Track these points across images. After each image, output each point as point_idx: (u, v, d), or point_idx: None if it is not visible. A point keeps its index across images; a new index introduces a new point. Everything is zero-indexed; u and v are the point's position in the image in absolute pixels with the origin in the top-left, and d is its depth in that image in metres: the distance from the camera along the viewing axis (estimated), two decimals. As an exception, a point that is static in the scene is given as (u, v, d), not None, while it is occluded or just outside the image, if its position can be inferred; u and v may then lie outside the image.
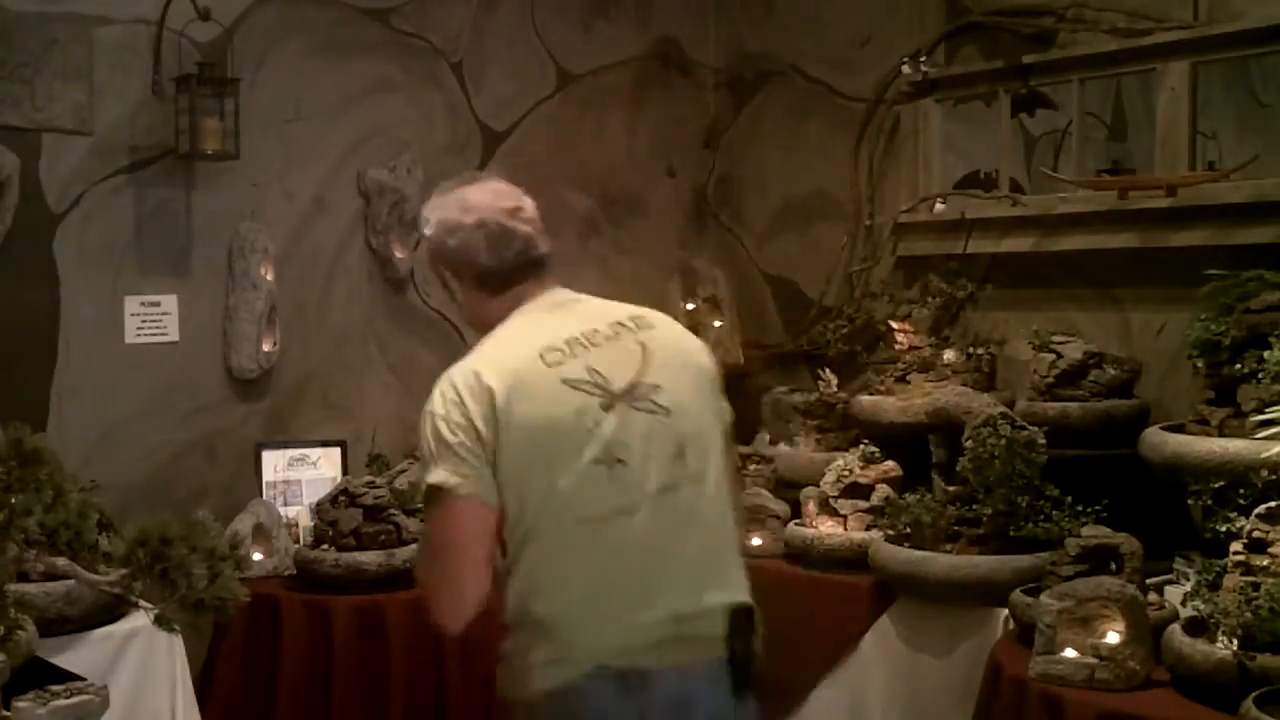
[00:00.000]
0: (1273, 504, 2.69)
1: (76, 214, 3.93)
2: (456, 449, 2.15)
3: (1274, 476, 2.76)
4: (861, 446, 3.92)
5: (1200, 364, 3.16)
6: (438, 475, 2.14)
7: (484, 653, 3.79)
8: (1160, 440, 3.16)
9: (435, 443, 2.19)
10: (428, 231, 2.38)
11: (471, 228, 2.32)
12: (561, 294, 2.40)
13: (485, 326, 2.36)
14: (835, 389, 4.35)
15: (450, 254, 2.34)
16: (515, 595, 2.17)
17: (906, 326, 4.25)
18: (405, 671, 3.68)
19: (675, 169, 5.23)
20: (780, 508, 4.01)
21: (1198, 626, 2.72)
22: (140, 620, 3.13)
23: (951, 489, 3.50)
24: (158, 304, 4.07)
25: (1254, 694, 2.40)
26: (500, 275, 2.33)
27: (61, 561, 2.11)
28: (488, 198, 2.37)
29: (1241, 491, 2.81)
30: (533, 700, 2.13)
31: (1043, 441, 3.39)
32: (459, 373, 2.21)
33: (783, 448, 4.35)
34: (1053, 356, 3.71)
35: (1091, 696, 2.71)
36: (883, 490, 3.80)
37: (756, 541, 3.99)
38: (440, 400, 2.21)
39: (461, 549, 2.14)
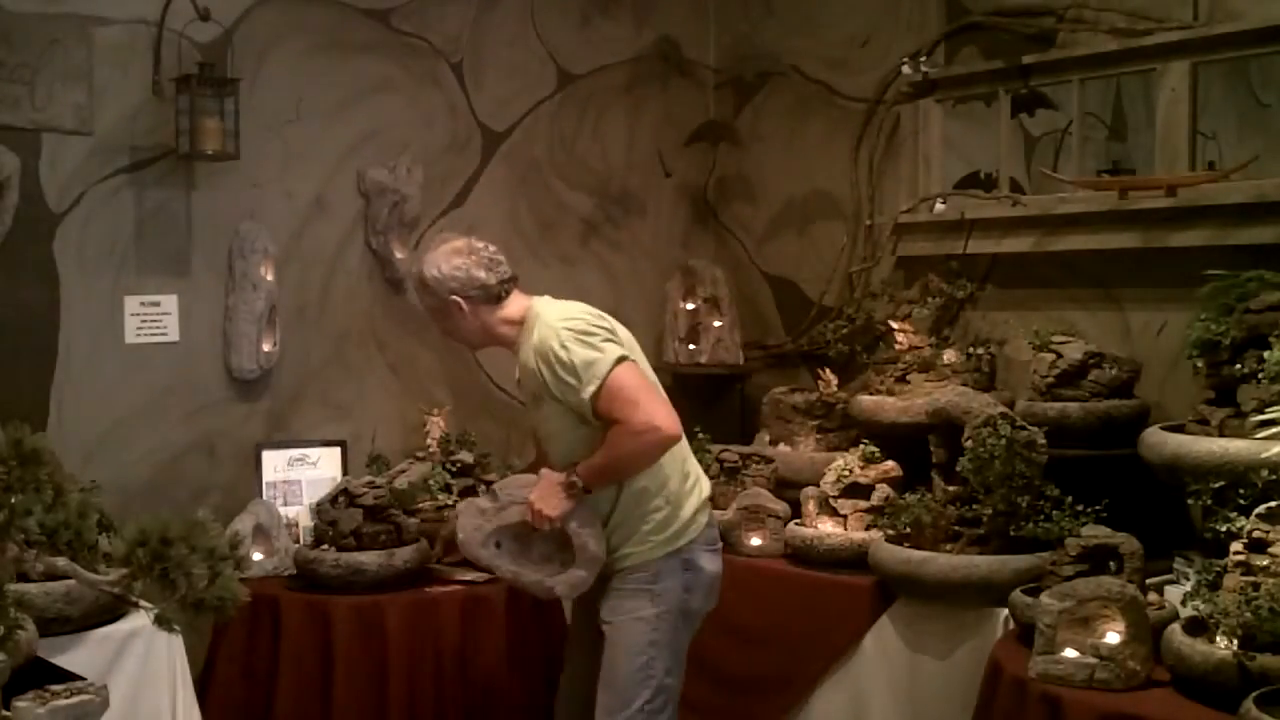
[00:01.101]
0: (1273, 504, 2.69)
1: (76, 214, 3.93)
2: (614, 341, 3.04)
3: (1274, 476, 2.77)
4: (861, 446, 3.93)
5: (1200, 364, 3.16)
6: (617, 351, 3.00)
7: (483, 653, 3.80)
8: (1160, 440, 3.16)
9: (598, 339, 3.01)
10: (433, 273, 3.13)
11: (470, 263, 3.13)
12: (538, 297, 3.19)
13: (488, 335, 3.19)
14: (835, 389, 4.35)
15: (459, 284, 3.12)
16: (669, 464, 3.09)
17: (906, 326, 4.25)
18: (405, 671, 3.68)
19: (671, 169, 5.23)
20: (780, 508, 4.01)
21: (1198, 626, 2.72)
22: (140, 620, 3.13)
23: (951, 489, 3.50)
24: (158, 304, 4.07)
25: (1254, 694, 2.40)
26: (497, 289, 3.14)
27: (61, 561, 2.10)
28: (465, 244, 3.18)
29: (1241, 491, 2.81)
30: (687, 545, 3.10)
31: (1043, 441, 3.39)
32: (574, 311, 3.08)
33: (783, 448, 4.35)
34: (1053, 356, 3.71)
35: (1091, 696, 2.71)
36: (883, 490, 3.80)
37: (756, 541, 4.00)
38: (577, 323, 3.02)
39: (653, 387, 3.07)
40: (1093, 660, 2.76)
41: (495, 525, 3.14)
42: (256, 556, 3.91)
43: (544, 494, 3.05)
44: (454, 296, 3.12)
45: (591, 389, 2.95)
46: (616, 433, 2.98)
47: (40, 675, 2.51)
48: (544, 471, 3.12)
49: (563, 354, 2.98)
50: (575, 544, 3.05)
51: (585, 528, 3.05)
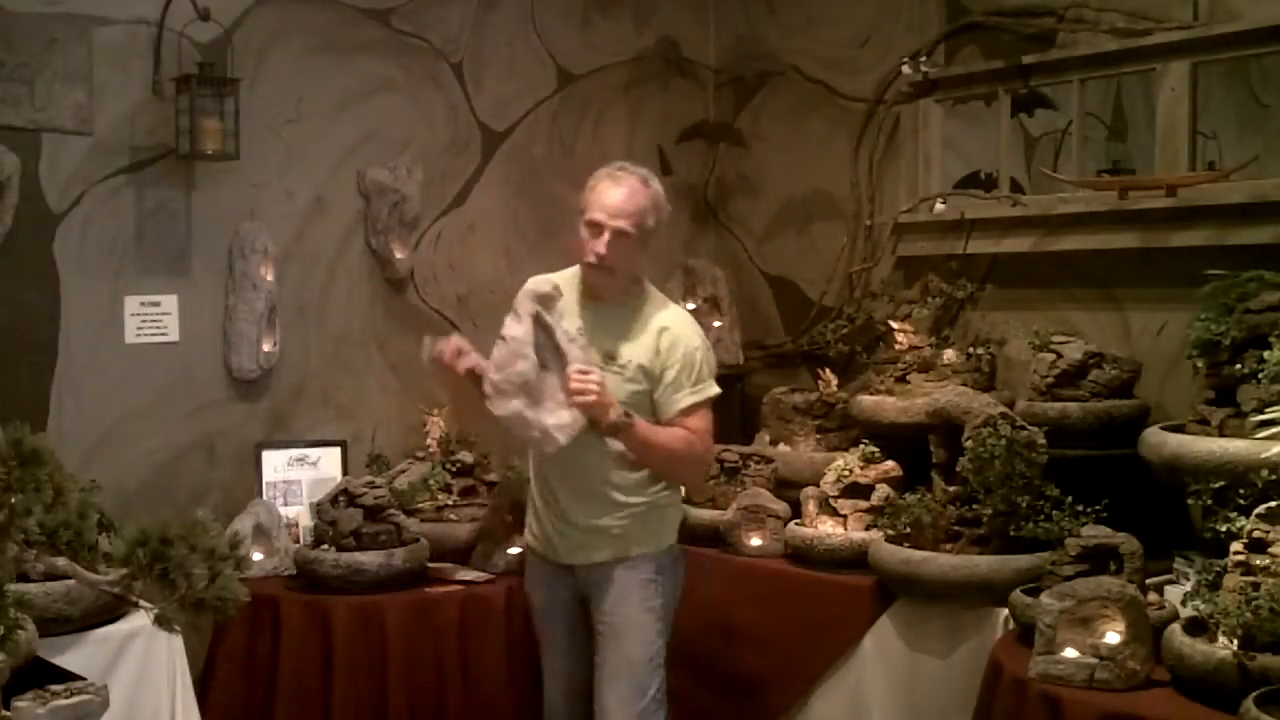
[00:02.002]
0: (1273, 504, 2.69)
1: (76, 214, 3.93)
2: None
3: (1274, 476, 2.76)
4: (861, 446, 3.92)
5: (1200, 364, 3.16)
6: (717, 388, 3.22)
7: (483, 653, 3.80)
8: (1160, 440, 3.16)
9: (713, 369, 3.22)
10: (665, 209, 3.24)
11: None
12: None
13: (629, 272, 3.19)
14: (835, 389, 4.35)
15: (660, 224, 3.23)
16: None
17: (906, 326, 4.25)
18: (405, 672, 3.69)
19: (671, 169, 5.22)
20: (780, 508, 4.01)
21: (1198, 626, 2.72)
22: (140, 620, 3.13)
23: (951, 489, 3.49)
24: (158, 304, 4.08)
25: (1254, 694, 2.40)
26: None
27: (61, 561, 2.10)
28: None
29: (1241, 491, 2.81)
30: (676, 539, 3.30)
31: (1043, 441, 3.39)
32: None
33: (783, 448, 4.34)
34: (1053, 356, 3.71)
35: (1091, 696, 2.71)
36: (883, 490, 3.80)
37: (756, 541, 3.99)
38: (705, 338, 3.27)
39: None
40: (1093, 660, 2.76)
41: (554, 325, 3.04)
42: (256, 556, 3.91)
43: (606, 390, 3.02)
44: (655, 226, 3.20)
45: (694, 400, 3.14)
46: (689, 437, 3.15)
47: (40, 675, 2.51)
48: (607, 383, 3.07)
49: (697, 355, 3.16)
50: (576, 413, 3.02)
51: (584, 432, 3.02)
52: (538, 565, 3.34)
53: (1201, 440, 3.05)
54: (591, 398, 2.98)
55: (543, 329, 3.03)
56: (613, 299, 3.19)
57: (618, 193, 3.17)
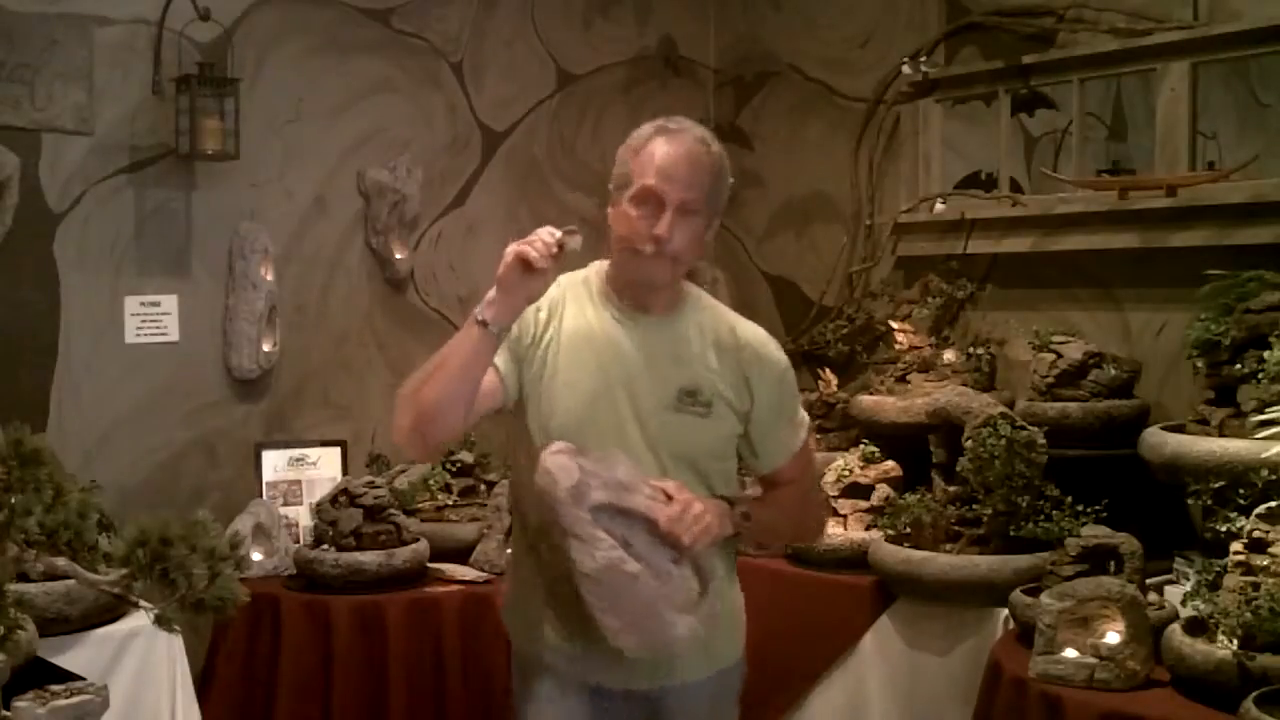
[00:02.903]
0: (1273, 504, 2.69)
1: (76, 214, 3.93)
2: None
3: (1274, 476, 2.76)
4: (861, 446, 3.93)
5: (1200, 364, 3.16)
6: None
7: (483, 653, 3.80)
8: (1160, 440, 3.16)
9: None
10: (727, 168, 2.51)
11: None
12: None
13: (691, 261, 2.49)
14: (835, 389, 4.35)
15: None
16: None
17: (906, 326, 4.25)
18: (405, 671, 3.68)
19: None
20: (780, 508, 4.01)
21: (1198, 626, 2.72)
22: (140, 620, 3.13)
23: (951, 489, 3.50)
24: (158, 304, 4.08)
25: (1254, 694, 2.40)
26: None
27: (61, 561, 2.10)
28: None
29: (1241, 491, 2.81)
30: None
31: (1043, 441, 3.39)
32: None
33: (783, 448, 4.34)
34: (1053, 356, 3.71)
35: (1091, 696, 2.71)
36: (883, 490, 3.80)
37: (756, 541, 3.99)
38: None
39: None
40: (1093, 660, 2.76)
41: (606, 500, 2.23)
42: (256, 556, 3.91)
43: (705, 505, 2.25)
44: (721, 208, 2.50)
45: (802, 436, 2.41)
46: (803, 495, 2.49)
47: (40, 675, 2.51)
48: (681, 485, 2.26)
49: (788, 377, 2.39)
50: (706, 588, 2.27)
51: (714, 578, 2.30)
52: (561, 687, 2.36)
53: (1201, 440, 3.05)
54: (708, 538, 2.24)
55: (606, 514, 2.23)
56: (660, 307, 2.37)
57: (680, 153, 2.33)
